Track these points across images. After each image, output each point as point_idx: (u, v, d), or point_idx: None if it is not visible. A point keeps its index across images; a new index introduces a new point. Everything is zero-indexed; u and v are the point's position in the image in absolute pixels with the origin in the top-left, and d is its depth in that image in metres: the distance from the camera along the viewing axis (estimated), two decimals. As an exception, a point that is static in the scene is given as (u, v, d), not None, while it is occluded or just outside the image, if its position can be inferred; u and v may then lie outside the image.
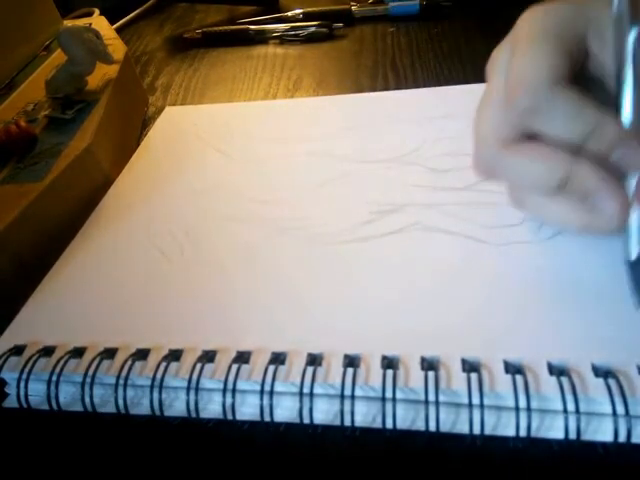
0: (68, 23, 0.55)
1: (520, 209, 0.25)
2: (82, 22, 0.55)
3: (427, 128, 0.35)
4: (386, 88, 0.46)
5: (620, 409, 0.18)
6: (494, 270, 0.25)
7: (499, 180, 0.25)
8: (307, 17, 0.59)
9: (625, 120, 0.21)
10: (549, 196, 0.23)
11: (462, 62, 0.47)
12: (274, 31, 0.58)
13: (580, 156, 0.21)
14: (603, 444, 0.19)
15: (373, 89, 0.46)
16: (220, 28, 0.61)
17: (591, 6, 0.22)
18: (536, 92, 0.20)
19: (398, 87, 0.45)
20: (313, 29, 0.57)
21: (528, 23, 0.22)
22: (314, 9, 0.60)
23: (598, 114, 0.20)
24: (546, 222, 0.26)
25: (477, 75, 0.38)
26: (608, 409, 0.19)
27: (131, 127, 0.45)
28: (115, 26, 0.63)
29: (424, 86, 0.43)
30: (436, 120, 0.35)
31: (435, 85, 0.39)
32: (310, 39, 0.57)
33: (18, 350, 0.24)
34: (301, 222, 0.29)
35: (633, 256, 0.22)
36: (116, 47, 0.47)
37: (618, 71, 0.21)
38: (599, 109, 0.20)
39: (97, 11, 0.63)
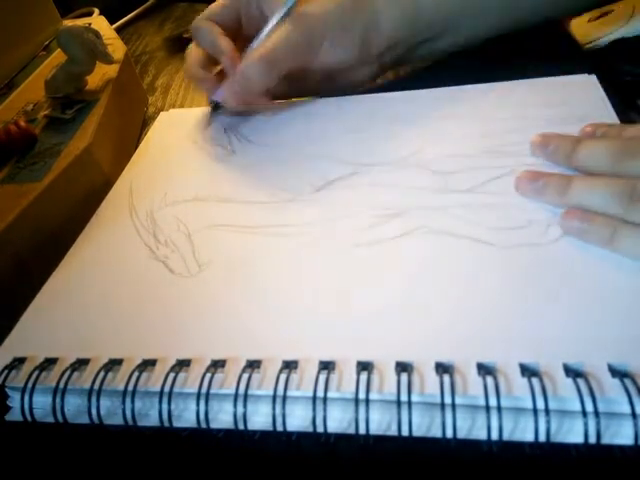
0: (68, 23, 0.54)
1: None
2: (82, 22, 0.55)
3: (428, 129, 0.34)
4: (386, 88, 0.45)
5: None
6: (502, 273, 0.24)
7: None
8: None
9: (254, 44, 0.37)
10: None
11: (461, 63, 0.46)
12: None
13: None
14: (621, 448, 0.19)
15: (373, 89, 0.45)
16: (220, 28, 0.60)
17: None
18: (196, 21, 0.39)
19: (398, 88, 0.45)
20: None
21: None
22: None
23: (218, 38, 0.37)
24: None
25: (477, 76, 0.38)
26: (627, 409, 0.18)
27: (131, 127, 0.45)
28: (115, 26, 0.63)
29: (424, 87, 0.43)
30: (436, 121, 0.35)
31: (435, 86, 0.38)
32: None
33: (18, 362, 0.23)
34: (304, 227, 0.29)
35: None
36: (116, 47, 0.47)
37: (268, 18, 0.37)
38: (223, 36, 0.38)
39: (97, 11, 0.63)
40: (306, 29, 0.36)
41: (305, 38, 0.36)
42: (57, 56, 0.47)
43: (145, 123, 0.46)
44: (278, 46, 0.35)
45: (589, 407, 0.18)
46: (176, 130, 0.40)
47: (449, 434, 0.19)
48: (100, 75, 0.43)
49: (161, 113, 0.44)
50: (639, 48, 0.40)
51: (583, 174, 0.27)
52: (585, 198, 0.25)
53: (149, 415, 0.22)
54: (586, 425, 0.18)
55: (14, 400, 0.23)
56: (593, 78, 0.35)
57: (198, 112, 0.43)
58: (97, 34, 0.41)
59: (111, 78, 0.42)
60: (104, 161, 0.36)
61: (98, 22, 0.54)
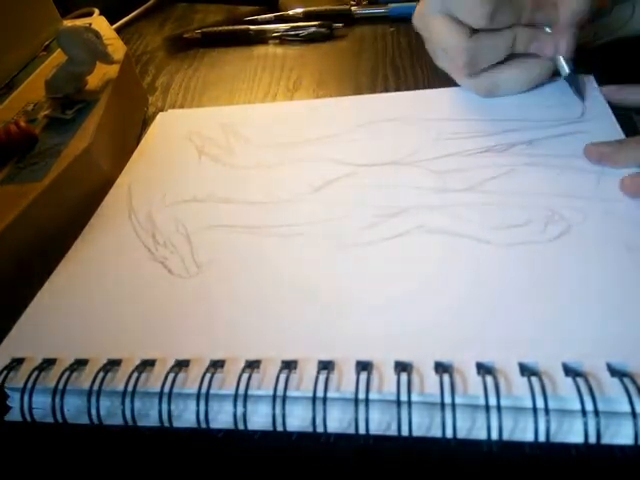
0: (68, 23, 0.54)
1: (436, 62, 0.38)
2: (82, 22, 0.55)
3: (427, 129, 0.34)
4: (386, 88, 0.45)
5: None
6: (501, 271, 0.24)
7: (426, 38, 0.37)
8: (307, 16, 0.59)
9: None
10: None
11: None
12: (274, 31, 0.58)
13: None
14: (621, 447, 0.19)
15: (373, 89, 0.45)
16: (220, 28, 0.60)
17: None
18: None
19: (398, 88, 0.45)
20: (313, 29, 0.56)
21: None
22: (314, 8, 0.60)
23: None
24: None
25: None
26: (626, 409, 0.18)
27: (131, 127, 0.44)
28: (115, 26, 0.62)
29: (424, 87, 0.43)
30: (435, 121, 0.35)
31: (435, 86, 0.39)
32: (310, 39, 0.56)
33: (17, 363, 0.23)
34: (303, 227, 0.29)
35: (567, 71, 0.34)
36: (116, 47, 0.47)
37: None
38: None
39: (97, 11, 0.63)
40: None
41: None
42: (57, 56, 0.47)
43: (145, 123, 0.46)
44: None
45: (589, 406, 0.18)
46: (174, 131, 0.40)
47: (449, 434, 0.19)
48: (100, 75, 0.42)
49: (159, 114, 0.43)
50: (639, 48, 0.40)
51: None
52: None
53: (149, 415, 0.22)
54: (586, 425, 0.18)
55: (14, 400, 0.23)
56: (590, 78, 0.35)
57: (196, 112, 0.43)
58: (97, 34, 0.41)
59: (111, 78, 0.42)
60: (104, 161, 0.36)
61: (98, 22, 0.54)
